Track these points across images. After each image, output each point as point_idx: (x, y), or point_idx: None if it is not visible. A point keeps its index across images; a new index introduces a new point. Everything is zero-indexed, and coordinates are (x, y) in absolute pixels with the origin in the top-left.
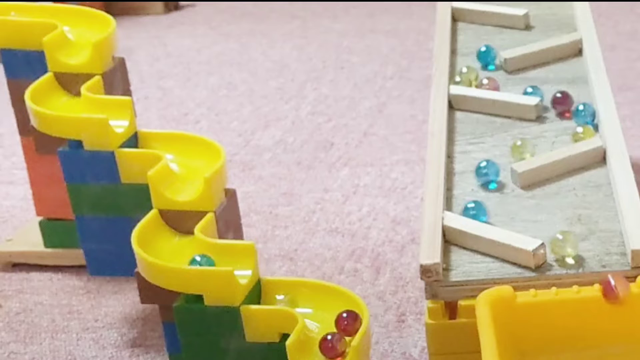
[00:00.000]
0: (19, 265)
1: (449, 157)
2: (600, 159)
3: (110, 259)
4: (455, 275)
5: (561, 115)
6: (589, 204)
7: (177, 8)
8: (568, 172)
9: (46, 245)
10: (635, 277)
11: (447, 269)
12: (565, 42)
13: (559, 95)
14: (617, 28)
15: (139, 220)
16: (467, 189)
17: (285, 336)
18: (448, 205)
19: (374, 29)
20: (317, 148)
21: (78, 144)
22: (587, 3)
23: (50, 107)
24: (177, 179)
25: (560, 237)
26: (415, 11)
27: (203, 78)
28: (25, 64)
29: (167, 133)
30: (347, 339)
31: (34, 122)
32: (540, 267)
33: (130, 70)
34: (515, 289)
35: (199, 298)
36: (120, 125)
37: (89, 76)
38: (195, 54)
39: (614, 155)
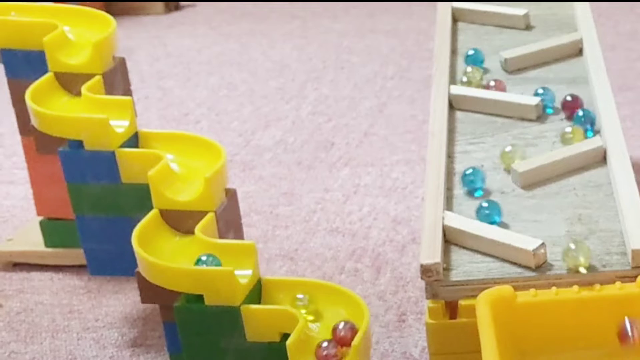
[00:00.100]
0: (20, 265)
1: (450, 157)
2: (600, 158)
3: (110, 259)
4: (455, 275)
5: (569, 118)
6: (589, 204)
7: (177, 8)
8: (568, 172)
9: (47, 245)
10: (636, 276)
11: (447, 269)
12: (565, 42)
13: (569, 98)
14: (617, 28)
15: (139, 220)
16: None
17: (285, 336)
18: (448, 205)
19: (374, 29)
20: (317, 148)
21: (78, 143)
22: (587, 3)
23: (51, 107)
24: (178, 178)
25: (573, 246)
26: (415, 11)
27: (203, 78)
28: (26, 64)
29: (167, 133)
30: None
31: (34, 122)
32: (541, 267)
33: (131, 70)
34: (516, 288)
35: (199, 298)
36: (120, 125)
37: (89, 76)
38: (195, 54)
39: (614, 155)
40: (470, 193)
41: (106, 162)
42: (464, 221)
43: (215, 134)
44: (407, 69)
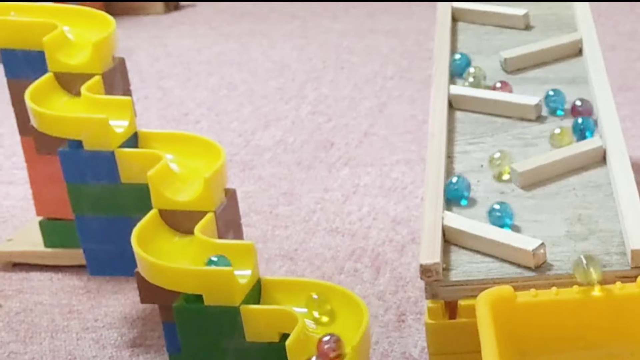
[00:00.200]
0: (19, 265)
1: (449, 157)
2: (600, 159)
3: (110, 259)
4: (455, 275)
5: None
6: (589, 204)
7: (177, 8)
8: (568, 172)
9: (46, 245)
10: (636, 277)
11: (447, 269)
12: (565, 42)
13: (578, 102)
14: (617, 28)
15: (139, 220)
16: None
17: (285, 336)
18: (448, 205)
19: (374, 29)
20: (317, 148)
21: (78, 143)
22: (587, 3)
23: (50, 107)
24: (177, 179)
25: (584, 260)
26: (415, 11)
27: (203, 78)
28: (25, 64)
29: (167, 133)
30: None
31: (34, 122)
32: (540, 267)
33: (130, 70)
34: (515, 288)
35: (198, 298)
36: (120, 125)
37: (89, 76)
38: (195, 54)
39: (614, 155)
40: (456, 202)
41: (106, 162)
42: (464, 221)
43: (215, 134)
44: (407, 69)
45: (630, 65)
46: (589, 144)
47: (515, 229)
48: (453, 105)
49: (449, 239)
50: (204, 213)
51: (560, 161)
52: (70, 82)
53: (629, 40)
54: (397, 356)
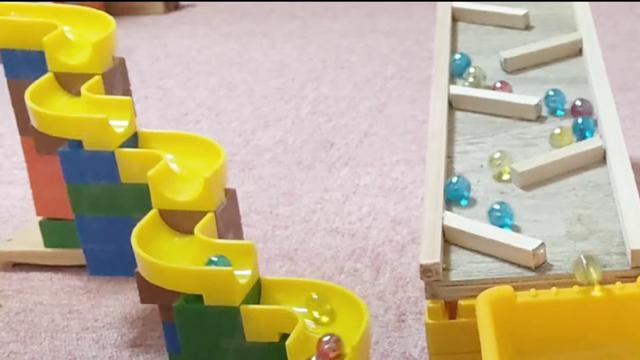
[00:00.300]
0: (19, 265)
1: (449, 157)
2: (600, 159)
3: (110, 259)
4: (455, 275)
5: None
6: (589, 204)
7: (177, 8)
8: (568, 172)
9: (46, 245)
10: (636, 277)
11: (447, 269)
12: (565, 42)
13: (578, 103)
14: (617, 28)
15: (139, 220)
16: None
17: (285, 336)
18: (448, 205)
19: (374, 29)
20: (317, 148)
21: (78, 143)
22: (587, 3)
23: (50, 107)
24: (177, 179)
25: (584, 261)
26: (415, 11)
27: (203, 78)
28: (25, 64)
29: (167, 133)
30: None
31: (34, 122)
32: (540, 267)
33: (130, 70)
34: (515, 288)
35: (198, 298)
36: (120, 125)
37: (89, 76)
38: (195, 54)
39: (614, 155)
40: (457, 202)
41: (106, 162)
42: (464, 221)
43: (215, 134)
44: (407, 69)
45: (630, 65)
46: (589, 144)
47: (515, 229)
48: (453, 105)
49: (449, 239)
50: (204, 213)
51: (560, 161)
52: (70, 82)
53: (629, 40)
54: (397, 356)
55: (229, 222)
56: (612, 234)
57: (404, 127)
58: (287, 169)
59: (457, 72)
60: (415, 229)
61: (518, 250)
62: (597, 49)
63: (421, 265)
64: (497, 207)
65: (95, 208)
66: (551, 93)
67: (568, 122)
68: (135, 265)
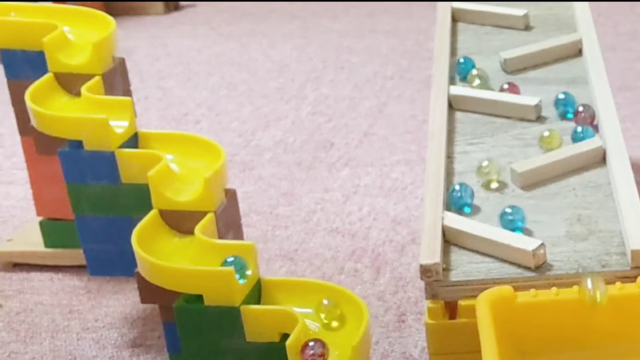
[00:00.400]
0: (20, 265)
1: (449, 157)
2: (600, 159)
3: (110, 259)
4: (455, 275)
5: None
6: (588, 204)
7: (177, 8)
8: (568, 172)
9: (46, 245)
10: (635, 277)
11: (447, 269)
12: (565, 42)
13: (581, 108)
14: (617, 28)
15: (139, 221)
16: None
17: (285, 336)
18: (448, 205)
19: (374, 29)
20: (317, 148)
21: (78, 144)
22: (587, 3)
23: (51, 107)
24: (177, 179)
25: (590, 284)
26: (415, 11)
27: (203, 78)
28: (26, 64)
29: (167, 133)
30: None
31: (34, 122)
32: (540, 267)
33: (131, 70)
34: (516, 289)
35: (199, 298)
36: (120, 126)
37: (89, 76)
38: (195, 54)
39: (614, 155)
40: (460, 210)
41: (106, 163)
42: (464, 221)
43: (215, 134)
44: (407, 69)
45: (630, 66)
46: (589, 144)
47: (527, 232)
48: (453, 105)
49: (449, 239)
50: (204, 213)
51: (560, 161)
52: (70, 83)
53: (629, 40)
54: (397, 356)
55: (229, 222)
56: (612, 234)
57: (404, 127)
58: (287, 169)
59: (461, 75)
60: (416, 229)
61: (518, 250)
62: (597, 49)
63: (421, 266)
64: (509, 210)
65: (95, 208)
66: (561, 96)
67: (567, 124)
68: (136, 266)
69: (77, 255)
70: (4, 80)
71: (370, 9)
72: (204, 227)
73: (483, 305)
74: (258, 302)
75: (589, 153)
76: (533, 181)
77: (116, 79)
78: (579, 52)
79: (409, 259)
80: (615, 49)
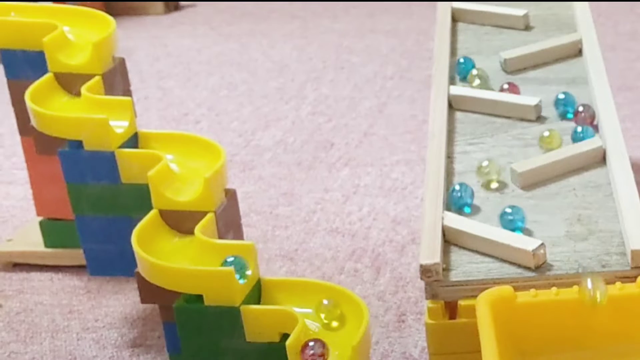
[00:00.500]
0: (20, 265)
1: (449, 157)
2: (600, 159)
3: (110, 259)
4: (455, 275)
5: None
6: (588, 204)
7: (177, 8)
8: (568, 172)
9: (46, 245)
10: (635, 277)
11: (447, 269)
12: (565, 42)
13: (581, 108)
14: (617, 28)
15: (139, 221)
16: None
17: (285, 336)
18: (447, 197)
19: (374, 29)
20: (317, 148)
21: (78, 144)
22: (587, 3)
23: (51, 107)
24: (177, 179)
25: (590, 284)
26: (415, 11)
27: (203, 78)
28: (26, 64)
29: (167, 133)
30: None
31: (34, 122)
32: (540, 267)
33: (131, 70)
34: (516, 289)
35: (199, 298)
36: (120, 126)
37: (89, 76)
38: (195, 54)
39: (614, 155)
40: (460, 210)
41: (106, 163)
42: (464, 221)
43: (215, 134)
44: (407, 69)
45: (630, 65)
46: (589, 144)
47: (527, 232)
48: (453, 105)
49: (449, 239)
50: (204, 213)
51: (560, 161)
52: (70, 83)
53: (629, 40)
54: (397, 356)
55: (229, 222)
56: (612, 234)
57: (404, 127)
58: (287, 169)
59: (461, 75)
60: (416, 229)
61: (518, 250)
62: (597, 49)
63: (421, 266)
64: (508, 210)
65: (95, 208)
66: (561, 96)
67: (567, 124)
68: (136, 266)
69: (77, 255)
70: (4, 80)
71: (370, 9)
72: (204, 227)
73: (483, 305)
74: (258, 302)
75: (589, 153)
76: (533, 181)
77: (116, 79)
78: (579, 52)
79: (409, 259)
80: (615, 49)
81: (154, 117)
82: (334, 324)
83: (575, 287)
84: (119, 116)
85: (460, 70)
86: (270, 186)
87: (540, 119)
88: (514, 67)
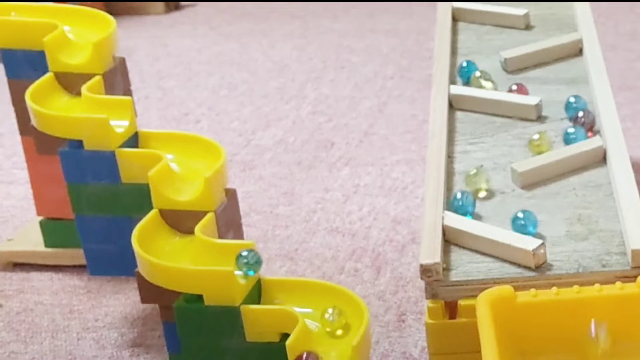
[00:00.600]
0: (20, 265)
1: (449, 157)
2: (600, 158)
3: (110, 259)
4: (455, 275)
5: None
6: (589, 204)
7: (177, 8)
8: (568, 172)
9: (47, 245)
10: (636, 277)
11: (447, 269)
12: (565, 42)
13: (581, 114)
14: (617, 28)
15: (139, 220)
16: None
17: (285, 336)
18: (448, 205)
19: (374, 29)
20: (317, 148)
21: (78, 143)
22: (587, 3)
23: (51, 107)
24: (178, 178)
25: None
26: (415, 11)
27: (203, 78)
28: (26, 64)
29: (167, 133)
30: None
31: (34, 122)
32: (540, 267)
33: (131, 70)
34: (516, 288)
35: (199, 298)
36: (120, 125)
37: (89, 76)
38: (195, 54)
39: (614, 155)
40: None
41: (106, 162)
42: (464, 221)
43: (215, 134)
44: (407, 69)
45: (630, 65)
46: (589, 144)
47: (539, 236)
48: (453, 105)
49: (449, 239)
50: (204, 213)
51: (560, 161)
52: (70, 82)
53: (629, 40)
54: (397, 356)
55: (230, 222)
56: (612, 234)
57: (404, 127)
58: (288, 168)
59: (463, 79)
60: (416, 229)
61: (518, 250)
62: (597, 49)
63: (421, 265)
64: (520, 215)
65: (95, 208)
66: (572, 100)
67: (567, 124)
68: (136, 265)
69: (77, 255)
70: (5, 80)
71: (370, 9)
72: (204, 226)
73: (483, 305)
74: (258, 302)
75: (589, 153)
76: (533, 181)
77: (116, 79)
78: (580, 52)
79: (409, 259)
80: (615, 48)
81: (154, 117)
82: (339, 332)
83: (576, 287)
84: (119, 116)
85: (463, 75)
86: (271, 186)
87: (540, 118)
88: (515, 67)
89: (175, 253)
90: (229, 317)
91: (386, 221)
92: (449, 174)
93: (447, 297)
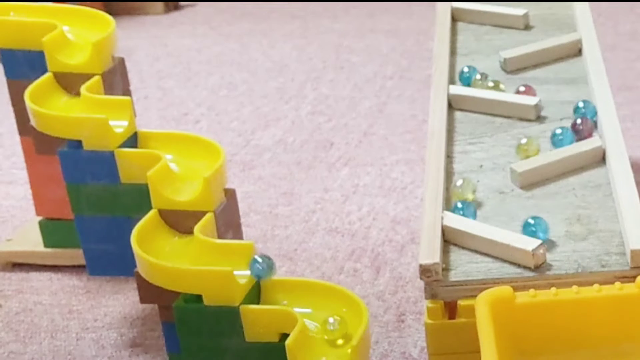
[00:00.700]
0: (19, 265)
1: (449, 157)
2: (600, 159)
3: (110, 259)
4: (454, 275)
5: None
6: (588, 204)
7: (177, 8)
8: (568, 172)
9: (46, 245)
10: (635, 277)
11: (446, 269)
12: (565, 42)
13: (579, 121)
14: (617, 28)
15: (138, 220)
16: None
17: (284, 336)
18: (448, 205)
19: (374, 29)
20: (317, 148)
21: (78, 144)
22: (587, 3)
23: (50, 107)
24: (177, 178)
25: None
26: (415, 11)
27: (203, 78)
28: (25, 64)
29: (166, 133)
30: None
31: (33, 122)
32: (540, 267)
33: (130, 70)
34: (515, 289)
35: (198, 298)
36: (119, 125)
37: (88, 76)
38: (195, 54)
39: (614, 155)
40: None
41: (105, 162)
42: (463, 221)
43: (215, 134)
44: (407, 69)
45: (630, 65)
46: (589, 144)
47: (550, 243)
48: (453, 105)
49: (449, 239)
50: (203, 213)
51: (560, 161)
52: (70, 82)
53: (629, 40)
54: (396, 356)
55: (229, 222)
56: (611, 234)
57: (403, 127)
58: (287, 169)
59: (466, 83)
60: (415, 229)
61: (518, 250)
62: (596, 49)
63: (421, 265)
64: (531, 221)
65: (95, 208)
66: (580, 105)
67: (566, 124)
68: (135, 266)
69: (76, 255)
70: (4, 80)
71: (370, 9)
72: (203, 226)
73: (482, 305)
74: (257, 302)
75: (588, 153)
76: (533, 181)
77: (116, 79)
78: (579, 52)
79: (409, 259)
80: (615, 48)
81: (154, 117)
82: (339, 341)
83: (575, 287)
84: (118, 116)
85: (464, 80)
86: (270, 186)
87: (540, 118)
88: (514, 67)
89: (175, 253)
90: (229, 317)
91: (385, 221)
92: (449, 174)
93: (446, 297)
